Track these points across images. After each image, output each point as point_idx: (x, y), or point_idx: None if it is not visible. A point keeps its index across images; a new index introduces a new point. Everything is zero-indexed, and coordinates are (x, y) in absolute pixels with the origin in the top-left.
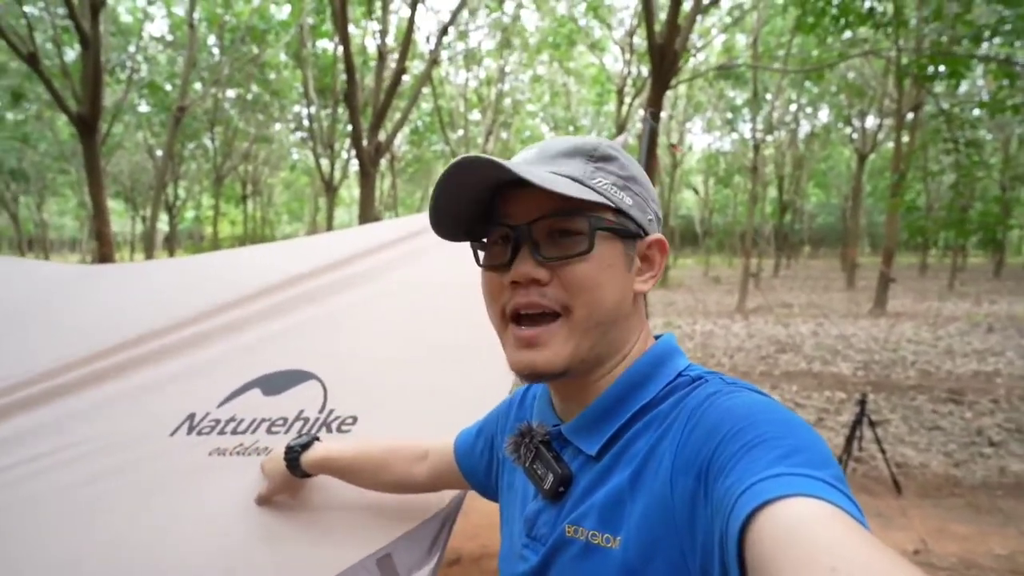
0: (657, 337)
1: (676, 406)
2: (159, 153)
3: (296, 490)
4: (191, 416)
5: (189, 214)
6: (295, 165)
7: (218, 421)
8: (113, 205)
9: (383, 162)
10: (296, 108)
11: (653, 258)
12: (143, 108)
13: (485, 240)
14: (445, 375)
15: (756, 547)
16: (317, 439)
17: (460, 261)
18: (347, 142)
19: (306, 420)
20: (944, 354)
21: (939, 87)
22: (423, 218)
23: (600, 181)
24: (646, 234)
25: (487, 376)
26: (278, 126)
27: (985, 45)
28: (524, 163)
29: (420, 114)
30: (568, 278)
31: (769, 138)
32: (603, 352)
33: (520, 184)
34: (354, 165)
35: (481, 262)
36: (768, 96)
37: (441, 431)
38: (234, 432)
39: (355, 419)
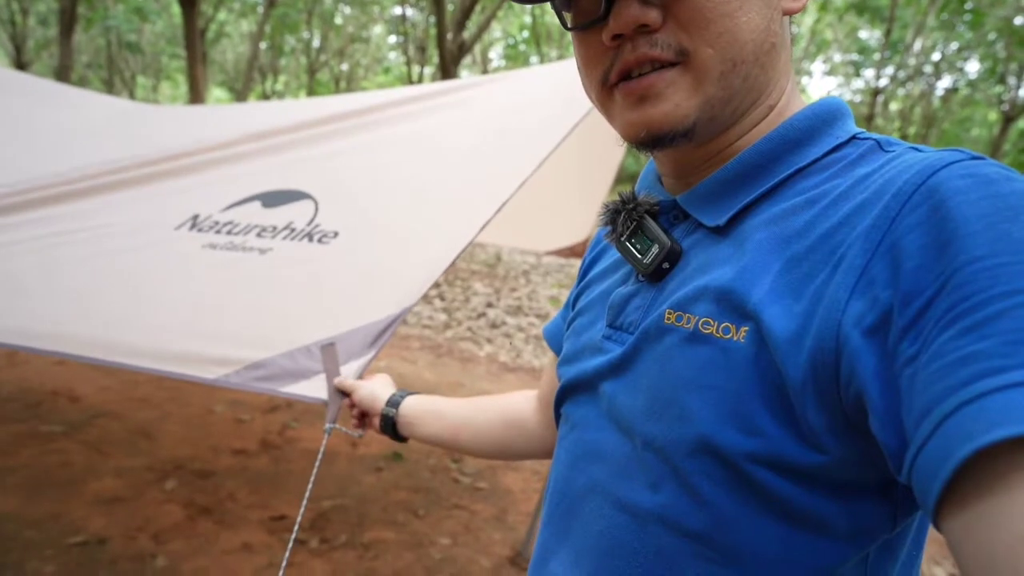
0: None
1: (867, 181)
2: (263, 46)
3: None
4: (195, 216)
5: None
6: (389, 68)
7: (217, 223)
8: (219, 94)
9: (476, 75)
10: (396, 10)
11: None
12: None
13: None
14: (429, 210)
15: (997, 502)
16: (408, 394)
17: (474, 117)
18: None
19: (292, 230)
20: None
21: None
22: (455, 82)
23: None
24: None
25: (447, 232)
26: (378, 29)
27: None
28: None
29: (520, 26)
30: (688, 10)
31: (900, 91)
32: (742, 103)
33: None
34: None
35: (568, 24)
36: (907, 38)
37: (398, 259)
38: (228, 233)
39: (336, 233)
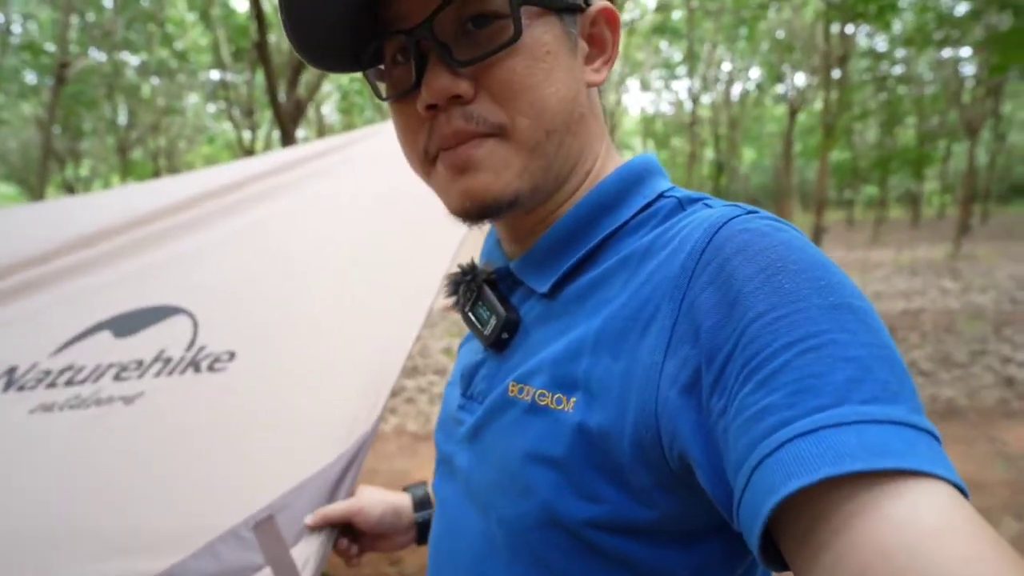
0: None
1: (666, 238)
2: (56, 130)
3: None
4: (11, 370)
5: None
6: (214, 138)
7: (48, 372)
8: (5, 190)
9: (311, 134)
10: (211, 74)
11: (602, 37)
12: (30, 78)
13: (382, 66)
14: (338, 307)
15: (824, 540)
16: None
17: (365, 181)
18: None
19: (167, 361)
20: (873, 296)
21: (867, 31)
22: (330, 141)
23: None
24: (588, 4)
25: (390, 314)
26: (194, 98)
27: None
28: None
29: (351, 78)
30: (497, 83)
31: (705, 99)
32: (561, 170)
33: None
34: (277, 132)
35: (383, 94)
36: (703, 54)
37: (332, 369)
38: (68, 383)
39: (232, 355)
